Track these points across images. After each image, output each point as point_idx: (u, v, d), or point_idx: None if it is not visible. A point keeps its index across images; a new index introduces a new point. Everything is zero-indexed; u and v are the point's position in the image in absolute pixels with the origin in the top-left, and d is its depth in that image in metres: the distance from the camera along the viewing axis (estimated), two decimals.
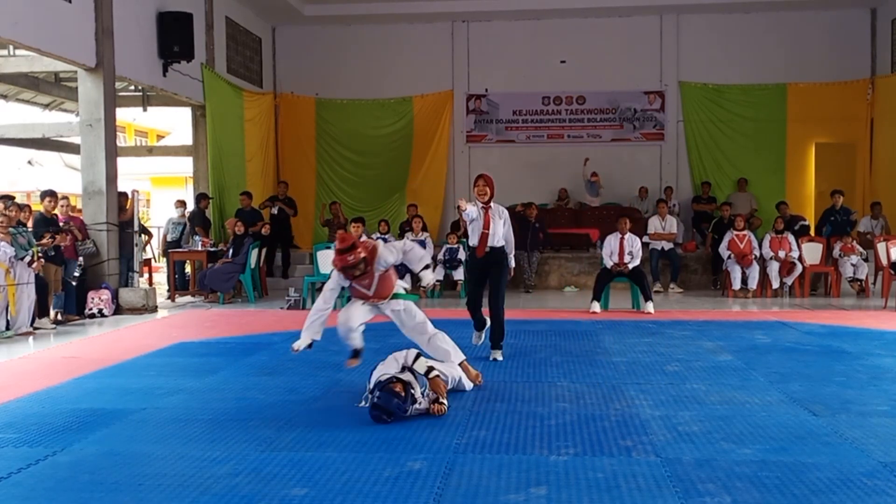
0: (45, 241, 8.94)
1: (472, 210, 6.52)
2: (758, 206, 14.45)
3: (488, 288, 6.77)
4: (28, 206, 10.29)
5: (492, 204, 6.69)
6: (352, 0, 14.92)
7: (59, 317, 9.48)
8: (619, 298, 10.56)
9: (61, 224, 9.61)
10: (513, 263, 6.89)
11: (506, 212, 6.80)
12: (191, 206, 13.35)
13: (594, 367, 6.28)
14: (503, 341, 6.78)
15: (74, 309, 9.58)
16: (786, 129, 15.17)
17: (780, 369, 6.12)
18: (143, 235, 11.17)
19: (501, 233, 6.69)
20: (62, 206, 9.92)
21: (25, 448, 4.26)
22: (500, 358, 6.69)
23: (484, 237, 6.65)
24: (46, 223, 9.43)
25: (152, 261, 14.77)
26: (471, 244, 6.79)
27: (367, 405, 4.74)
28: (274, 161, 15.82)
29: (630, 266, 9.87)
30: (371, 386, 4.86)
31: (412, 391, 4.72)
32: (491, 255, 6.68)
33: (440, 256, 12.05)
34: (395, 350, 5.16)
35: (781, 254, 11.51)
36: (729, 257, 11.58)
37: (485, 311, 6.82)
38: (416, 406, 4.75)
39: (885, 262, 11.02)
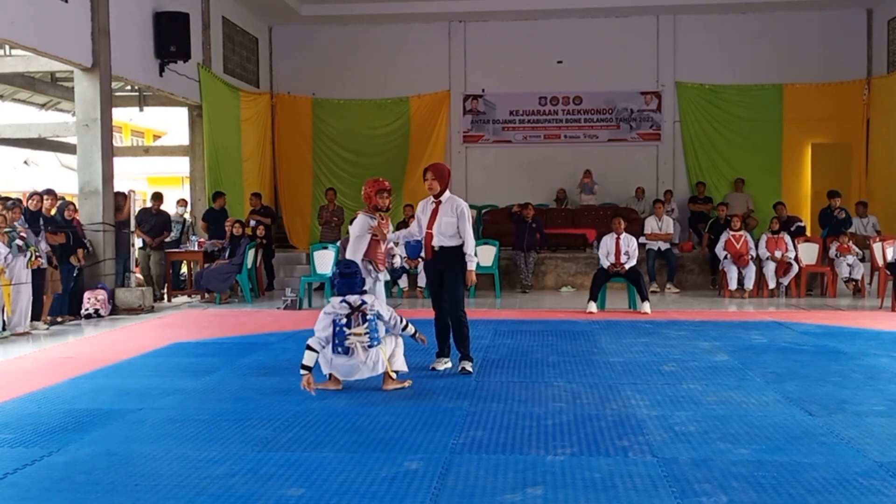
0: (56, 237, 8.90)
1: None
2: (754, 206, 14.48)
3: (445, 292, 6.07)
4: (21, 200, 10.24)
5: (444, 197, 6.02)
6: (349, 0, 14.92)
7: (59, 318, 9.44)
8: (615, 298, 10.57)
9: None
10: (471, 266, 5.99)
11: (464, 205, 6.02)
12: (169, 208, 12.94)
13: (591, 368, 6.28)
14: (470, 352, 6.10)
15: (68, 309, 9.56)
16: (782, 129, 15.21)
17: (776, 369, 6.13)
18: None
19: (451, 230, 5.94)
20: (57, 204, 9.87)
21: (21, 448, 4.25)
22: (470, 369, 6.00)
23: (428, 237, 6.01)
24: (45, 222, 9.38)
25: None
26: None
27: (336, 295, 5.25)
28: (271, 161, 15.82)
29: (626, 266, 9.87)
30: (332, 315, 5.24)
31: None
32: (441, 256, 6.00)
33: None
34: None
35: (778, 254, 11.52)
36: (725, 257, 11.59)
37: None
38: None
39: (880, 262, 11.04)
